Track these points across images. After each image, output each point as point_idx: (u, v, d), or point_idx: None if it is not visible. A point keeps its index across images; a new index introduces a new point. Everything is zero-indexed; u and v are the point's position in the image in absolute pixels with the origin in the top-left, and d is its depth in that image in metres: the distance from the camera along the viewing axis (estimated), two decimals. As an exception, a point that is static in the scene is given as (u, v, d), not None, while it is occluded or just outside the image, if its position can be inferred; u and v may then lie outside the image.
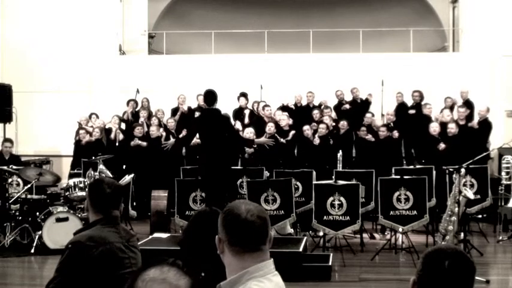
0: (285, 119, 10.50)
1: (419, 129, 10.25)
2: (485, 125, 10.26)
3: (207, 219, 2.55)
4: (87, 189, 3.31)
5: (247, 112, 11.46)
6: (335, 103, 11.90)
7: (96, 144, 10.82)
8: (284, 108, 11.47)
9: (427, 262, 1.85)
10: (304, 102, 11.90)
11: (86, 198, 3.20)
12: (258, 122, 10.81)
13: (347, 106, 11.56)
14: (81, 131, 11.10)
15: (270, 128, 9.91)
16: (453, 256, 1.83)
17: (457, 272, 1.81)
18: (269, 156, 9.49)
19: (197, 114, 11.17)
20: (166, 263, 1.50)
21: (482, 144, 9.77)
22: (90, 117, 11.91)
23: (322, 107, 11.45)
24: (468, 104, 10.88)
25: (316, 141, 9.91)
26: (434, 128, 9.66)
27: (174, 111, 12.05)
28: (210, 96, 7.86)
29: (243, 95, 11.62)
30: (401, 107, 11.39)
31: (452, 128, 9.51)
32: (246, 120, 11.26)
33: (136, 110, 12.04)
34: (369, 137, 10.21)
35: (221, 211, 2.06)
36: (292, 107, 11.70)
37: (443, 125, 9.87)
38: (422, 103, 11.11)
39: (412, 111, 10.93)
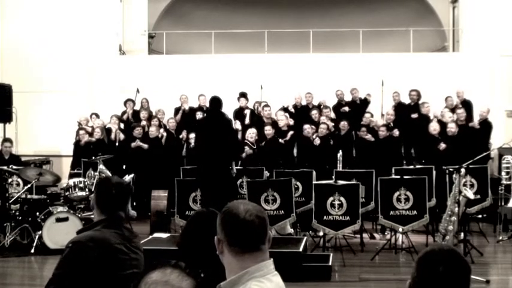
0: (283, 120, 10.50)
1: (419, 128, 10.25)
2: (486, 125, 10.26)
3: (204, 221, 2.55)
4: (94, 188, 3.28)
5: (247, 112, 11.45)
6: (334, 103, 11.91)
7: (98, 144, 10.80)
8: (285, 109, 11.47)
9: (422, 267, 1.84)
10: (303, 103, 11.90)
11: (93, 196, 3.17)
12: (258, 122, 10.83)
13: (346, 109, 11.53)
14: (81, 131, 11.10)
15: (268, 131, 9.93)
16: (447, 260, 1.83)
17: (452, 275, 1.81)
18: (269, 156, 9.51)
19: (198, 114, 11.21)
20: (169, 265, 1.51)
21: (483, 145, 9.75)
22: (90, 117, 11.91)
23: (322, 107, 11.45)
24: (465, 104, 10.86)
25: (317, 141, 9.91)
26: (434, 128, 9.66)
27: (177, 111, 12.06)
28: (216, 102, 7.96)
29: (243, 95, 11.62)
30: (399, 107, 11.40)
31: (452, 128, 9.51)
32: (247, 121, 11.25)
33: (137, 110, 12.05)
34: (369, 136, 10.21)
35: (219, 212, 2.06)
36: (293, 110, 11.66)
37: (443, 125, 9.87)
38: (420, 102, 11.13)
39: (414, 115, 10.94)
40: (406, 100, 11.55)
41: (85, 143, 10.88)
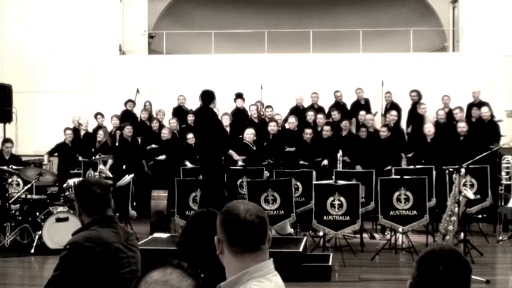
0: (293, 123, 10.50)
1: (415, 129, 10.29)
2: (492, 125, 10.23)
3: (204, 221, 2.55)
4: (74, 194, 3.22)
5: (250, 113, 11.38)
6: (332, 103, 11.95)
7: (102, 147, 10.75)
8: (296, 109, 11.47)
9: (422, 267, 1.84)
10: (304, 103, 11.89)
11: (76, 203, 3.11)
12: (261, 122, 10.85)
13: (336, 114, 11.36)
14: (68, 131, 11.09)
15: (273, 127, 9.97)
16: (448, 259, 1.82)
17: (453, 275, 1.81)
18: (274, 151, 9.62)
19: (190, 116, 11.21)
20: (171, 265, 1.50)
21: (492, 145, 9.69)
22: (95, 117, 11.88)
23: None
24: (481, 105, 10.77)
25: (325, 162, 9.79)
26: (428, 129, 9.67)
27: (176, 111, 12.06)
28: (207, 95, 7.83)
29: (239, 95, 11.56)
30: (392, 107, 11.42)
31: (464, 127, 9.51)
32: (255, 115, 11.18)
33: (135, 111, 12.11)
34: (363, 133, 10.18)
35: (218, 212, 2.06)
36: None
37: (443, 126, 9.90)
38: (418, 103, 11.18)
39: (408, 130, 11.10)
40: (402, 100, 11.56)
41: (100, 145, 10.81)
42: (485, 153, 7.94)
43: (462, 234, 7.36)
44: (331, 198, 7.64)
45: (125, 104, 12.02)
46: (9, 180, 9.04)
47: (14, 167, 8.98)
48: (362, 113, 11.00)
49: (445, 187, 8.19)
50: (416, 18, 15.82)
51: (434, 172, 8.50)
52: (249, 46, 14.71)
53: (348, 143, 10.10)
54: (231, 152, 9.34)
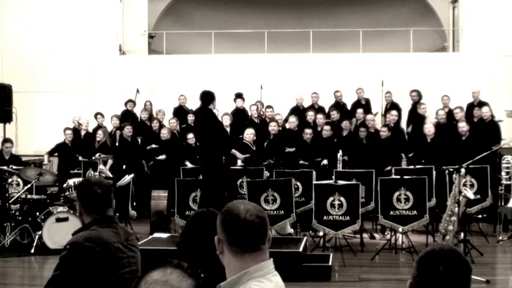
0: (293, 122, 10.49)
1: (415, 129, 10.28)
2: (493, 125, 10.23)
3: (204, 221, 2.55)
4: (76, 193, 3.22)
5: (250, 113, 11.37)
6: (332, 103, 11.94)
7: (101, 147, 10.76)
8: (296, 110, 11.45)
9: (422, 267, 1.84)
10: (305, 103, 11.88)
11: (77, 202, 3.12)
12: (261, 122, 10.84)
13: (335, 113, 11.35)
14: (67, 131, 11.09)
15: (273, 127, 9.97)
16: (448, 259, 1.82)
17: (453, 275, 1.81)
18: (274, 152, 9.63)
19: (190, 116, 11.20)
20: (171, 265, 1.51)
21: (493, 145, 9.69)
22: (95, 117, 11.88)
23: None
24: (482, 104, 10.78)
25: (325, 162, 9.78)
26: (429, 129, 9.67)
27: (176, 111, 12.06)
28: (206, 96, 7.81)
29: (239, 95, 11.56)
30: (392, 107, 11.42)
31: (464, 127, 9.53)
32: (255, 115, 11.17)
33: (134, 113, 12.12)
34: (362, 132, 10.17)
35: (218, 212, 2.06)
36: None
37: (441, 125, 9.90)
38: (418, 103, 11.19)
39: (408, 130, 11.10)
40: (402, 100, 11.55)
41: (99, 145, 10.82)
42: (485, 153, 7.94)
43: (462, 234, 7.36)
44: (331, 198, 7.64)
45: (125, 104, 12.04)
46: (9, 180, 9.04)
47: (14, 167, 8.98)
48: (359, 110, 10.98)
49: (445, 187, 8.19)
50: (416, 18, 15.82)
51: (434, 172, 8.50)
52: (249, 46, 14.71)
53: (348, 143, 10.09)
54: (233, 151, 9.37)
